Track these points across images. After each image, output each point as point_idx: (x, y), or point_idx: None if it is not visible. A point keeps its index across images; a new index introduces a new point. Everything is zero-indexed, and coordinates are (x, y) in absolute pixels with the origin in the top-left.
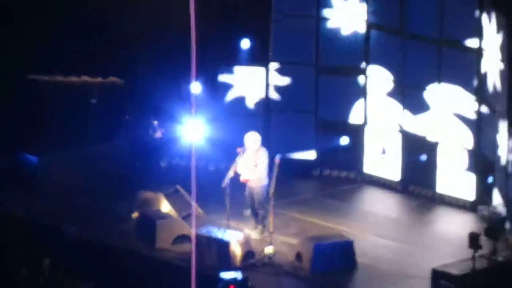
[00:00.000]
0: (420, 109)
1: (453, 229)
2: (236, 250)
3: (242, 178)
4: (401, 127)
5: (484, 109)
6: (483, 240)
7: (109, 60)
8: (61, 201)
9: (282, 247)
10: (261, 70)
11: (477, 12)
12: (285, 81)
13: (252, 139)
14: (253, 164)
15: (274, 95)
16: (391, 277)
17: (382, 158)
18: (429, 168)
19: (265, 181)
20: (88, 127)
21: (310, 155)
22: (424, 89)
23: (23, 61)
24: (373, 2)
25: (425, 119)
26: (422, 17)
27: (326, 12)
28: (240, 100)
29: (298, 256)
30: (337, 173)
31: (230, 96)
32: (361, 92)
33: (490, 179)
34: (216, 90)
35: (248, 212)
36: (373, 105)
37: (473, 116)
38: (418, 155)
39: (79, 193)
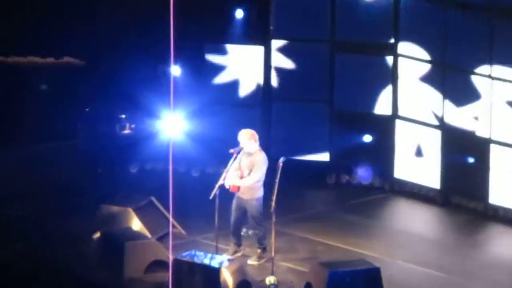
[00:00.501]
0: (467, 98)
1: (509, 253)
2: (228, 280)
3: (230, 186)
4: (441, 120)
5: None
6: None
7: (64, 35)
8: None
9: (288, 275)
10: (259, 49)
11: None
12: (290, 62)
13: (246, 137)
14: (246, 169)
15: (276, 81)
16: None
17: (417, 161)
18: (479, 174)
19: (260, 192)
20: (35, 121)
21: (323, 156)
22: (471, 71)
23: None
24: None
25: (473, 110)
26: None
27: None
28: (233, 87)
29: (309, 287)
30: (358, 180)
31: (220, 82)
32: (390, 75)
33: None
34: (202, 74)
35: (244, 230)
36: (405, 92)
37: None
38: (464, 156)
39: (18, 207)
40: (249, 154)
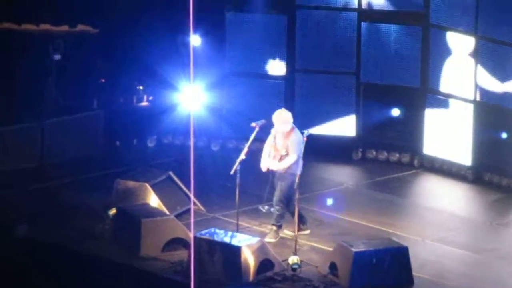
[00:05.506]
0: (503, 69)
1: None
2: (249, 259)
3: (265, 167)
4: (474, 93)
5: None
6: None
7: (77, 1)
8: (9, 192)
9: (311, 255)
10: (283, 18)
11: None
12: (315, 32)
13: (281, 119)
14: (283, 149)
15: (300, 51)
16: None
17: (448, 136)
18: None
19: (295, 167)
20: (49, 93)
21: (349, 131)
22: (505, 42)
23: None
24: None
25: (509, 82)
26: None
27: None
28: (255, 58)
29: (333, 267)
30: (386, 156)
31: (241, 52)
32: (420, 45)
33: None
34: (223, 44)
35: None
36: (435, 63)
37: None
38: (497, 132)
39: (35, 181)
40: (283, 133)
